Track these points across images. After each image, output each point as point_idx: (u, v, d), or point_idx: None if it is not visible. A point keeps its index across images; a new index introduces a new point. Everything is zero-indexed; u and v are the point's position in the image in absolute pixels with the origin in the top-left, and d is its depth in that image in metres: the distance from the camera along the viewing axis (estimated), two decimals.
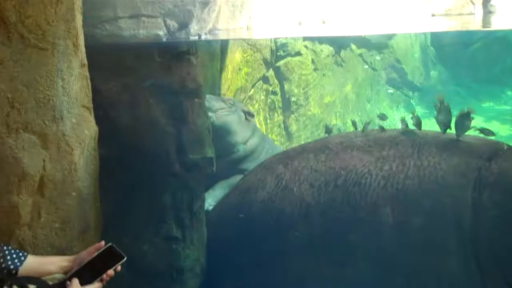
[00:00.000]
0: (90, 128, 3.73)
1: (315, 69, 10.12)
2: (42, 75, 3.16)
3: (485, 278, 4.34)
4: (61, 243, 3.41)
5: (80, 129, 3.57)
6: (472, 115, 4.84)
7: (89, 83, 3.79)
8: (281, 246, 4.95)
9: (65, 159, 3.42)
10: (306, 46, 9.90)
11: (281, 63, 9.34)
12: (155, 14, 4.96)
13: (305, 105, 9.76)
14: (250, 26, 6.86)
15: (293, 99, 9.50)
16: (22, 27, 3.02)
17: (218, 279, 5.25)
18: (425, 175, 4.60)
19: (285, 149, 7.04)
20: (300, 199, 4.96)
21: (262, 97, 8.94)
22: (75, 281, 2.60)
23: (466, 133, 4.89)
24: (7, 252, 2.64)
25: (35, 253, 3.09)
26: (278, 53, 9.28)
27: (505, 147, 4.75)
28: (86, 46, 3.73)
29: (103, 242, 2.73)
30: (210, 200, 6.03)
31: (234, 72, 8.15)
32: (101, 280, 2.66)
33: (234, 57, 8.19)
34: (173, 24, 5.07)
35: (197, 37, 5.22)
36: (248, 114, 6.85)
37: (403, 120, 5.32)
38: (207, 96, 6.24)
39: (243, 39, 8.23)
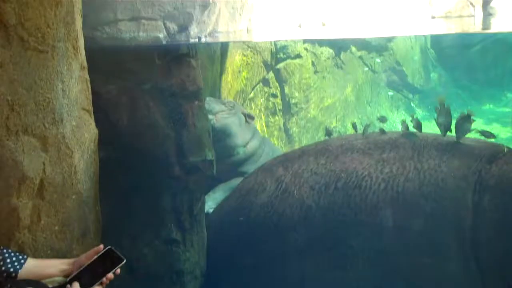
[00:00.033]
0: (90, 131, 3.72)
1: (315, 72, 10.12)
2: (42, 78, 3.15)
3: (485, 281, 4.33)
4: (61, 246, 3.40)
5: (80, 132, 3.56)
6: (472, 117, 4.83)
7: (89, 86, 3.79)
8: (281, 249, 4.95)
9: (65, 162, 3.41)
10: (306, 49, 9.90)
11: (281, 65, 9.34)
12: (155, 17, 4.97)
13: (305, 107, 9.76)
14: (250, 29, 6.87)
15: (293, 101, 9.50)
16: (22, 30, 3.00)
17: (218, 282, 5.25)
18: (425, 178, 4.60)
19: (285, 152, 7.04)
20: (300, 202, 4.95)
21: (262, 99, 8.95)
22: (76, 285, 2.59)
23: (467, 135, 4.88)
24: (6, 255, 2.63)
25: (35, 256, 3.07)
26: (278, 56, 9.29)
27: (506, 149, 4.74)
28: (86, 49, 3.72)
29: (101, 246, 2.72)
30: (210, 202, 6.04)
31: (234, 75, 8.15)
32: (101, 283, 2.65)
33: (234, 59, 8.19)
34: (173, 26, 5.07)
35: (197, 40, 5.22)
36: (248, 117, 6.86)
37: (403, 123, 5.31)
38: (207, 98, 6.25)
39: (243, 42, 8.23)
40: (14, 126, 3.03)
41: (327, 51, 10.46)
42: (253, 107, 8.67)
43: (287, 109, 9.44)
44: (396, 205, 4.60)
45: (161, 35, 5.03)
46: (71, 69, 3.41)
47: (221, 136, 6.30)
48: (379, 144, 5.06)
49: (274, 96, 9.20)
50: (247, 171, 6.44)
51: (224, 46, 7.74)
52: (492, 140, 5.02)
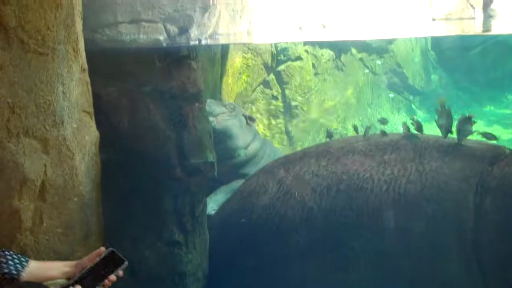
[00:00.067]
0: (91, 133, 3.72)
1: (316, 74, 10.12)
2: (42, 80, 3.15)
3: (487, 283, 4.33)
4: (64, 248, 3.40)
5: (81, 134, 3.56)
6: (473, 119, 4.83)
7: (90, 88, 3.79)
8: (283, 251, 4.94)
9: (66, 164, 3.41)
10: (306, 51, 9.90)
11: (281, 67, 9.34)
12: (155, 19, 4.97)
13: (306, 109, 9.76)
14: (251, 31, 6.87)
15: (293, 103, 9.50)
16: (22, 32, 3.01)
17: (220, 283, 5.24)
18: (426, 180, 4.59)
19: (286, 154, 7.04)
20: (301, 204, 4.95)
21: (263, 101, 8.94)
22: (78, 287, 2.58)
23: (468, 137, 4.88)
24: (9, 257, 2.63)
25: (37, 258, 3.07)
26: (279, 58, 9.29)
27: (507, 151, 4.73)
28: (86, 51, 3.72)
29: (103, 248, 2.72)
30: (212, 204, 6.03)
31: (235, 77, 8.15)
32: (103, 286, 2.64)
33: (235, 61, 8.20)
34: (173, 29, 5.07)
35: (197, 42, 5.22)
36: (249, 119, 6.86)
37: (404, 125, 5.31)
38: (208, 100, 6.25)
39: (244, 44, 8.23)
40: (15, 128, 3.03)
41: (327, 53, 10.46)
42: (254, 109, 8.67)
43: (288, 111, 9.43)
44: (398, 207, 4.59)
45: (161, 37, 5.03)
46: (71, 71, 3.41)
47: (222, 138, 6.30)
48: (381, 146, 5.05)
49: (275, 98, 9.20)
50: (248, 173, 6.44)
51: (225, 48, 7.74)
52: (494, 142, 5.01)
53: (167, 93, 4.72)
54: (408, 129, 5.22)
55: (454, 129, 4.89)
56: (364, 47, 11.33)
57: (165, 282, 4.88)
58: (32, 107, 3.11)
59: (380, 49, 11.75)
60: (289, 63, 9.43)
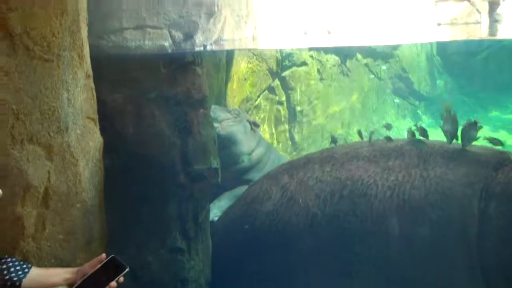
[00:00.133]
0: (95, 140, 3.73)
1: (321, 79, 10.12)
2: (47, 87, 3.16)
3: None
4: (66, 255, 3.40)
5: (85, 141, 3.57)
6: (479, 124, 4.81)
7: (94, 94, 3.80)
8: (287, 257, 4.93)
9: (70, 170, 3.42)
10: (312, 56, 9.91)
11: (287, 73, 9.35)
12: (161, 25, 4.98)
13: (311, 115, 9.76)
14: (256, 37, 6.88)
15: (298, 109, 9.50)
16: (27, 39, 3.02)
17: None
18: (431, 185, 4.58)
19: (290, 160, 7.03)
20: (305, 210, 4.94)
21: (268, 107, 8.94)
22: None
23: (474, 142, 4.86)
24: (11, 264, 2.64)
25: (39, 264, 3.08)
26: (284, 63, 9.30)
27: None
28: (91, 57, 3.74)
29: (104, 255, 2.72)
30: (216, 210, 6.03)
31: (240, 82, 8.16)
32: None
33: (240, 67, 8.21)
34: (178, 35, 5.08)
35: (202, 48, 5.23)
36: (254, 125, 6.86)
37: (409, 131, 5.29)
38: (213, 106, 6.26)
39: (249, 49, 8.24)
40: (19, 135, 3.04)
41: (332, 59, 10.47)
42: (259, 115, 8.67)
43: (293, 116, 9.43)
44: (402, 212, 4.58)
45: (166, 44, 5.04)
46: (76, 77, 3.42)
47: (226, 144, 6.30)
48: (385, 151, 5.04)
49: (280, 103, 9.20)
50: (252, 179, 6.43)
51: (230, 54, 7.75)
52: (500, 147, 4.99)
53: (172, 99, 4.73)
54: (413, 134, 5.20)
55: (459, 134, 4.88)
56: (369, 52, 11.33)
57: None
58: (37, 113, 3.12)
59: (385, 54, 11.75)
60: (294, 68, 9.44)
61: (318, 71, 10.05)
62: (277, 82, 9.18)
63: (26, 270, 2.66)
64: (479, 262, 4.31)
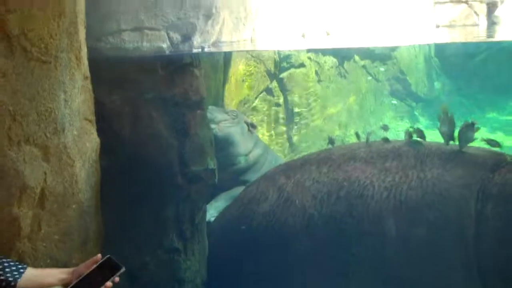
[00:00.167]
0: (91, 141, 3.73)
1: (319, 81, 10.13)
2: (44, 88, 3.17)
3: None
4: (61, 255, 3.41)
5: (82, 142, 3.58)
6: (476, 126, 4.82)
7: (92, 96, 3.81)
8: (283, 257, 4.94)
9: (66, 171, 3.42)
10: (309, 58, 9.91)
11: (284, 74, 9.35)
12: (158, 27, 4.98)
13: (309, 116, 9.76)
14: (254, 38, 6.88)
15: (296, 110, 9.51)
16: (25, 40, 3.03)
17: None
18: (428, 187, 4.59)
19: (287, 161, 7.04)
20: (302, 211, 4.95)
21: (266, 108, 8.95)
22: None
23: (471, 144, 4.87)
24: (6, 264, 2.65)
25: (35, 265, 3.08)
26: (282, 65, 9.30)
27: (509, 158, 4.72)
28: (89, 59, 3.74)
29: (99, 255, 2.72)
30: (212, 211, 6.03)
31: (238, 84, 8.17)
32: None
33: (238, 69, 8.22)
34: (176, 36, 5.08)
35: (200, 50, 5.23)
36: (251, 126, 6.87)
37: (407, 132, 5.30)
38: (210, 107, 6.26)
39: (247, 51, 8.25)
40: (16, 136, 3.04)
41: (330, 60, 10.48)
42: (256, 116, 8.68)
43: (290, 118, 9.44)
44: (399, 213, 4.59)
45: (164, 45, 5.04)
46: (73, 79, 3.43)
47: (223, 145, 6.31)
48: (382, 153, 5.05)
49: (277, 105, 9.21)
50: (249, 180, 6.44)
51: (228, 56, 7.76)
52: (497, 148, 5.00)
53: (169, 100, 4.74)
54: (410, 136, 5.21)
55: (456, 135, 4.89)
56: (367, 54, 11.36)
57: None
58: (34, 114, 3.13)
59: (383, 56, 11.77)
60: (292, 70, 9.45)
61: (316, 72, 10.06)
62: (275, 83, 9.18)
63: (22, 270, 2.66)
64: (476, 263, 4.32)
